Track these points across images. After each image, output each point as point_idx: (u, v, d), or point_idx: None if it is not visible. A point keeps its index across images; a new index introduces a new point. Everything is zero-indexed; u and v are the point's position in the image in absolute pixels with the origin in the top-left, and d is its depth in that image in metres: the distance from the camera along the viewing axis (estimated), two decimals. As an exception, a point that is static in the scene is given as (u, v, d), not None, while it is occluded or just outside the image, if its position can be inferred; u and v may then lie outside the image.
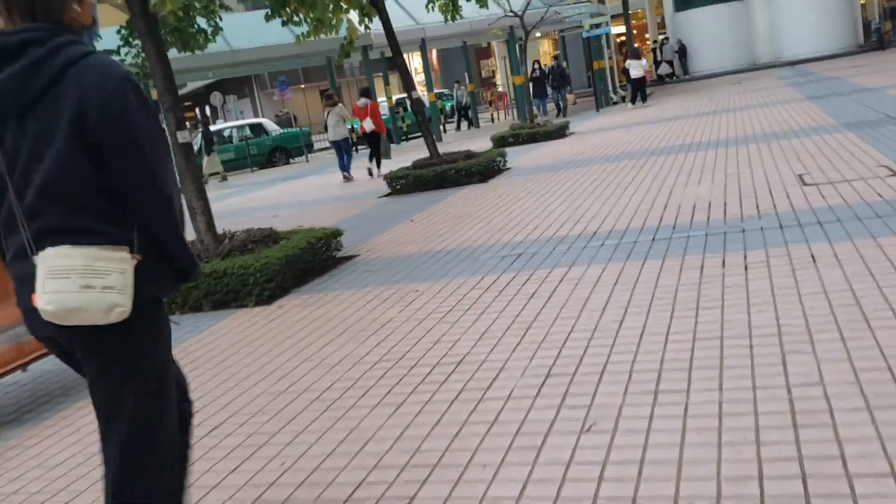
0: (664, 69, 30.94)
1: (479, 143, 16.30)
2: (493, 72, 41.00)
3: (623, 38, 31.03)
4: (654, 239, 5.35)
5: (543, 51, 40.71)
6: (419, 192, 10.15)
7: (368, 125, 13.89)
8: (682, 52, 30.84)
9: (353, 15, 11.60)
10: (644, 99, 20.65)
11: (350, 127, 14.60)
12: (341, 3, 10.83)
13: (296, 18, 10.92)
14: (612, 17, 33.39)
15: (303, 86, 40.29)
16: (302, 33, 11.17)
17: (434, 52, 42.66)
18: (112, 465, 1.90)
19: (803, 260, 4.25)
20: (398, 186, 10.44)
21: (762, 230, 5.09)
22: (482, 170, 10.29)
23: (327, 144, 26.21)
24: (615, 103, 23.82)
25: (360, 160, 17.11)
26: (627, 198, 7.17)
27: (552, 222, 6.58)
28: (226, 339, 4.78)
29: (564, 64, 23.54)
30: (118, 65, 1.82)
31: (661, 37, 32.86)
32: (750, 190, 6.52)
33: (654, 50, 31.81)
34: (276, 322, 4.95)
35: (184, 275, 1.99)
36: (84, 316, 1.74)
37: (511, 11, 15.32)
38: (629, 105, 20.63)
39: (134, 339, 1.85)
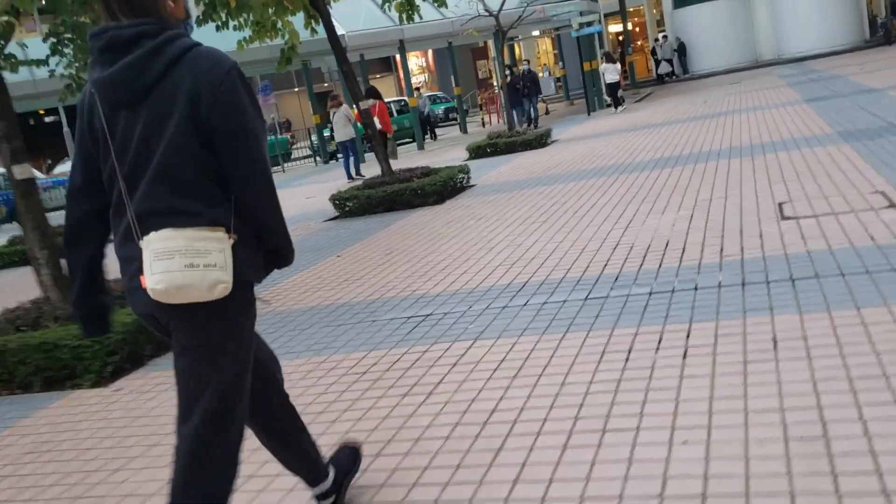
0: (664, 68, 29.79)
1: (459, 152, 15.28)
2: (490, 72, 39.92)
3: (622, 36, 29.96)
4: (587, 297, 4.32)
5: (543, 50, 39.65)
6: (368, 216, 9.13)
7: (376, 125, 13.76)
8: (682, 50, 29.70)
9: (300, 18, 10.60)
10: (617, 105, 19.68)
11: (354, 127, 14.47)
12: (285, 4, 9.85)
13: (234, 23, 9.97)
14: (609, 14, 32.36)
15: (296, 89, 39.36)
16: (245, 38, 10.22)
17: (430, 53, 41.68)
18: (190, 441, 1.96)
19: (761, 345, 3.21)
20: (347, 208, 9.43)
21: (719, 288, 4.05)
22: (439, 189, 9.27)
23: (308, 152, 25.35)
24: (609, 105, 22.72)
25: (371, 162, 16.12)
26: (580, 230, 6.13)
27: (484, 265, 5.56)
28: (43, 433, 3.78)
29: (548, 68, 22.38)
30: (226, 56, 1.91)
31: (660, 35, 31.69)
32: (718, 224, 5.47)
33: (653, 49, 30.64)
34: (110, 411, 3.95)
35: (279, 258, 2.06)
36: (190, 293, 1.82)
37: (486, 10, 14.25)
38: (612, 111, 19.59)
39: (228, 316, 1.93)
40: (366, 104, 10.74)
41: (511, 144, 13.91)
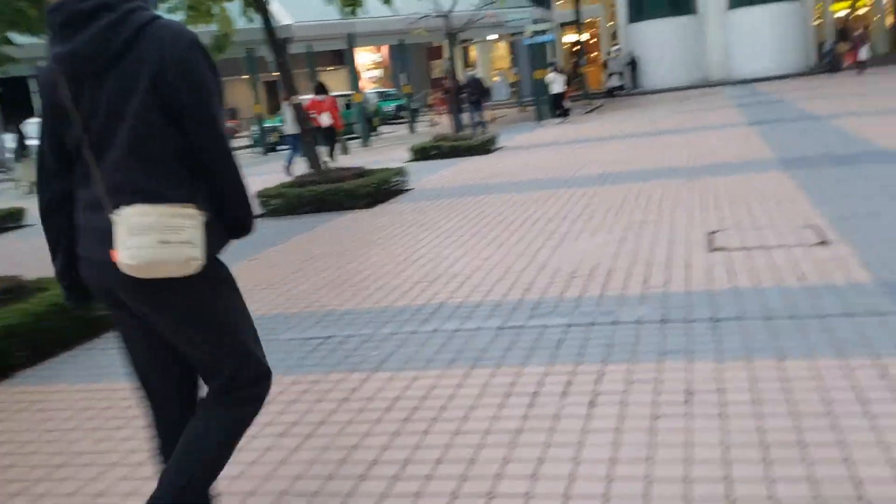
0: (614, 81, 29.91)
1: (403, 152, 14.90)
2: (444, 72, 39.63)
3: (576, 47, 29.99)
4: (501, 326, 4.02)
5: (499, 55, 39.52)
6: (295, 216, 8.71)
7: (326, 120, 14.03)
8: (633, 64, 29.85)
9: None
10: (561, 115, 19.57)
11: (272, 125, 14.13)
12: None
13: (167, 5, 9.45)
14: (565, 24, 32.42)
15: (246, 76, 38.41)
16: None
17: (386, 48, 41.19)
18: (206, 410, 2.04)
19: (674, 395, 2.95)
20: (272, 206, 8.98)
21: (638, 324, 3.79)
22: (372, 192, 8.90)
23: (252, 142, 24.67)
24: (558, 115, 22.64)
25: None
26: (509, 247, 5.85)
27: (402, 281, 5.22)
28: None
29: (515, 74, 22.13)
30: (188, 29, 1.91)
31: (613, 48, 31.85)
32: (647, 250, 5.24)
33: (604, 62, 30.75)
34: (-42, 430, 3.49)
35: (239, 229, 2.04)
36: (164, 269, 1.82)
37: (436, 11, 13.93)
38: (558, 121, 19.55)
39: (202, 289, 1.94)
40: (297, 100, 10.29)
41: (456, 148, 13.61)
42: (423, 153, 13.71)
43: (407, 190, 9.85)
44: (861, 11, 34.99)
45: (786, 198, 6.45)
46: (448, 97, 16.20)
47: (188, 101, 1.87)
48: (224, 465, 2.06)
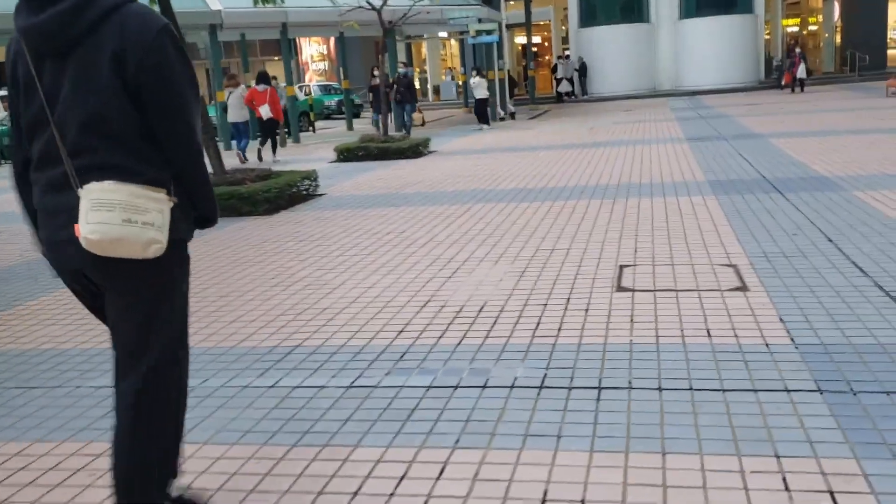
0: (564, 87, 29.52)
1: (331, 151, 14.11)
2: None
3: (528, 49, 29.50)
4: (351, 384, 3.33)
5: (453, 54, 38.85)
6: (187, 220, 7.88)
7: (266, 111, 13.80)
8: (583, 70, 29.48)
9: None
10: (486, 122, 18.80)
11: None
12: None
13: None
14: (514, 26, 31.91)
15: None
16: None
17: (332, 41, 40.16)
18: (129, 399, 1.97)
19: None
20: (164, 209, 8.13)
21: (511, 390, 3.14)
22: (273, 197, 8.14)
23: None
24: (502, 119, 22.09)
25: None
26: (399, 273, 5.18)
27: (264, 312, 4.50)
28: None
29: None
30: (158, 15, 1.91)
31: (563, 53, 31.48)
32: (548, 287, 4.62)
33: (554, 66, 30.33)
34: None
35: (204, 220, 2.06)
36: (125, 248, 1.80)
37: (367, 3, 13.16)
38: (483, 127, 18.69)
39: (164, 275, 1.94)
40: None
41: (384, 150, 12.89)
42: (348, 154, 12.97)
43: (317, 195, 9.11)
44: (812, 28, 35.38)
45: (710, 227, 5.91)
46: (375, 95, 15.34)
47: (154, 88, 1.85)
48: (174, 438, 2.09)
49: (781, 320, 3.73)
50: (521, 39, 40.65)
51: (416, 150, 13.18)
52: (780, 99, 21.33)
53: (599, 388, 3.09)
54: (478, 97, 18.75)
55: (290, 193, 8.47)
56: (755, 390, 2.97)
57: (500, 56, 22.82)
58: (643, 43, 29.41)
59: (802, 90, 23.14)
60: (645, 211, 6.76)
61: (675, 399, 2.94)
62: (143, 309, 1.95)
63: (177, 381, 2.06)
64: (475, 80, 18.54)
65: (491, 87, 21.89)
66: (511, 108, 22.96)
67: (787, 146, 10.69)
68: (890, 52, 30.34)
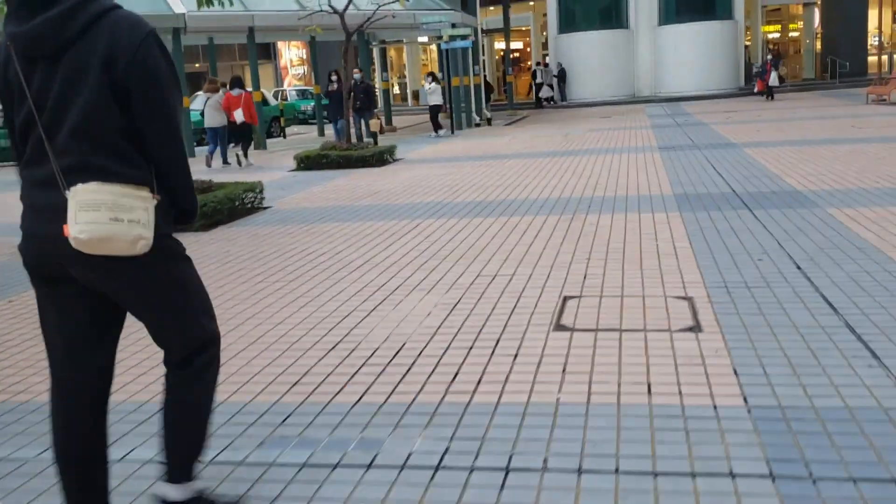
0: (545, 92, 29.05)
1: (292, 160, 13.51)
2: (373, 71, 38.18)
3: (511, 55, 29.02)
4: (211, 462, 2.75)
5: (433, 59, 38.32)
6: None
7: (240, 115, 13.74)
8: (562, 76, 29.03)
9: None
10: (437, 129, 18.26)
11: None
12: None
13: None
14: (494, 31, 31.45)
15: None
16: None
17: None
18: (174, 379, 2.12)
19: None
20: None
21: (401, 470, 2.57)
22: (209, 212, 7.54)
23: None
24: (478, 125, 21.58)
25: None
26: (318, 304, 4.61)
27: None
28: None
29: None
30: (144, 20, 1.96)
31: (545, 58, 31.04)
32: (479, 323, 4.06)
33: (533, 72, 29.87)
34: None
35: (184, 216, 2.12)
36: (113, 245, 1.86)
37: (330, 7, 12.57)
38: (432, 135, 18.20)
39: (157, 267, 2.00)
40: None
41: (346, 158, 12.30)
42: (308, 162, 12.38)
43: (261, 209, 8.52)
44: (794, 34, 35.14)
45: (670, 250, 5.38)
46: (331, 102, 14.61)
47: (141, 90, 1.91)
48: (207, 431, 2.17)
49: (735, 372, 3.19)
50: (501, 45, 40.31)
51: (381, 159, 12.62)
52: (759, 106, 20.93)
53: (507, 470, 2.52)
54: (430, 103, 18.20)
55: (229, 208, 7.87)
56: (693, 474, 2.42)
57: (476, 62, 22.32)
58: (622, 49, 29.02)
59: (772, 98, 22.64)
60: (603, 229, 6.23)
61: (595, 486, 2.38)
62: (151, 299, 2.04)
63: (214, 361, 2.16)
64: (430, 87, 17.99)
65: (466, 93, 21.42)
66: (487, 113, 22.46)
67: (762, 156, 10.21)
68: (870, 58, 30.08)
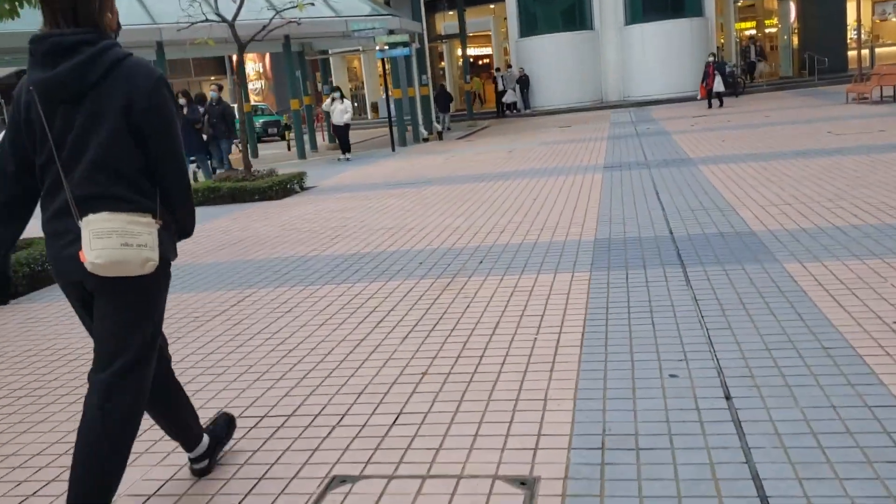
0: (510, 97, 27.34)
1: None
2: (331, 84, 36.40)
3: (479, 61, 27.33)
4: None
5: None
6: None
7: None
8: (524, 82, 27.33)
9: None
10: (346, 150, 16.07)
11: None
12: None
13: None
14: (451, 37, 29.76)
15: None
16: None
17: (267, 57, 37.81)
18: (102, 388, 2.21)
19: None
20: None
21: None
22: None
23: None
24: (425, 140, 19.85)
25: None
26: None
27: None
28: None
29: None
30: (154, 66, 2.21)
31: (507, 64, 29.36)
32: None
33: (494, 79, 28.17)
34: None
35: (183, 233, 2.38)
36: (125, 268, 2.10)
37: (217, 15, 10.80)
38: (340, 158, 16.12)
39: (152, 287, 2.25)
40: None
41: (240, 192, 10.54)
42: (196, 198, 10.59)
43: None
44: (771, 30, 33.57)
45: (549, 337, 3.64)
46: (183, 131, 12.15)
47: (155, 129, 2.15)
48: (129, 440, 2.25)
49: None
50: (471, 51, 38.62)
51: (285, 189, 10.85)
52: (730, 110, 19.28)
53: None
54: (335, 123, 15.91)
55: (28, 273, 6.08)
56: None
57: (423, 71, 20.61)
58: (588, 51, 27.36)
59: (721, 105, 20.41)
60: (476, 306, 4.47)
61: None
62: (129, 312, 2.22)
63: (143, 381, 2.27)
64: (338, 105, 15.68)
65: (412, 106, 19.69)
66: (438, 127, 20.73)
67: (719, 177, 8.51)
68: (850, 53, 28.52)
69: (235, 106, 13.30)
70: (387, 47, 17.14)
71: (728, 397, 2.95)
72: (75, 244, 2.11)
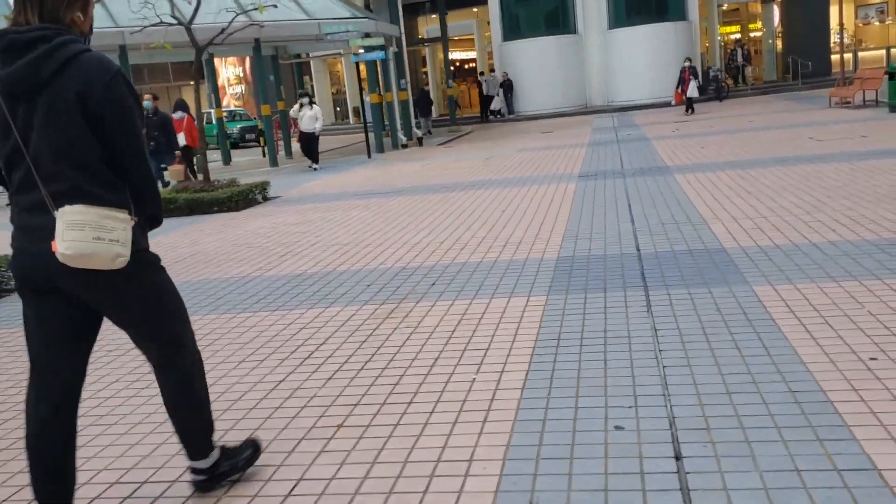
0: (497, 104, 26.94)
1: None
2: (312, 88, 35.97)
3: (465, 65, 26.94)
4: None
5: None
6: None
7: (181, 139, 12.81)
8: (508, 87, 26.96)
9: None
10: (314, 160, 15.30)
11: None
12: None
13: None
14: (433, 40, 29.40)
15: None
16: None
17: (248, 62, 37.32)
18: (173, 384, 2.43)
19: None
20: None
21: None
22: None
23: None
24: (404, 146, 19.44)
25: None
26: None
27: None
28: None
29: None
30: (111, 60, 2.22)
31: (491, 68, 28.99)
32: None
33: (479, 83, 27.80)
34: None
35: (154, 221, 2.37)
36: (94, 261, 2.10)
37: (173, 17, 10.37)
38: (309, 167, 15.44)
39: (135, 281, 2.26)
40: None
41: (198, 203, 10.09)
42: (156, 209, 10.12)
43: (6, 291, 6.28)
44: (756, 34, 33.34)
45: (485, 395, 3.24)
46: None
47: (113, 123, 2.16)
48: (206, 405, 2.51)
49: None
50: (456, 55, 38.25)
51: (246, 199, 10.42)
52: (714, 115, 18.98)
53: None
54: (304, 130, 14.97)
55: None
56: None
57: (402, 74, 20.21)
58: (571, 56, 27.02)
59: (692, 111, 19.85)
60: (418, 336, 4.07)
61: None
62: (137, 313, 2.30)
63: (192, 357, 2.45)
64: (310, 112, 14.74)
65: (390, 111, 19.28)
66: (418, 132, 20.33)
67: (694, 186, 8.15)
68: (834, 57, 28.31)
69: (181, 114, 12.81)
70: (362, 51, 16.76)
71: (678, 457, 2.56)
72: (46, 239, 2.11)
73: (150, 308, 2.31)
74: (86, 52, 2.16)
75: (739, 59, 29.37)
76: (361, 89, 17.45)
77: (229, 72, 38.35)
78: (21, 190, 2.19)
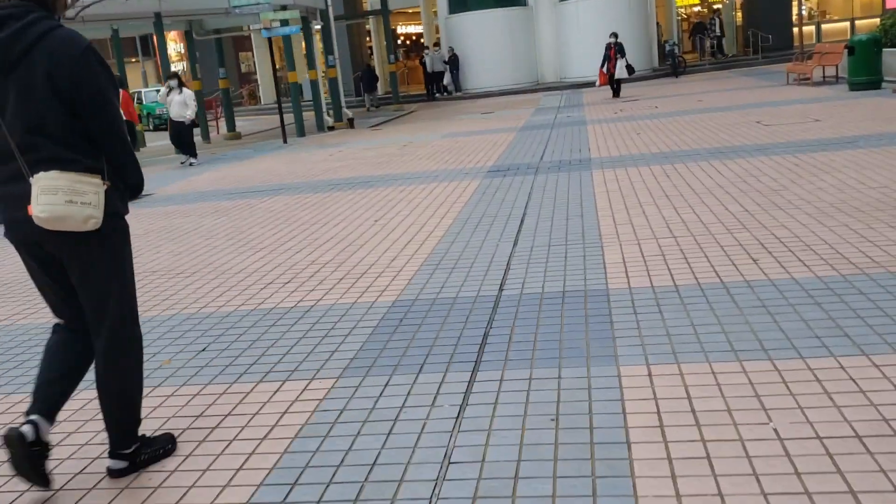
0: (447, 79, 25.37)
1: None
2: (254, 66, 34.07)
3: (389, 41, 25.27)
4: None
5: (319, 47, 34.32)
6: None
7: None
8: (454, 63, 25.38)
9: None
10: (188, 153, 12.95)
11: None
12: None
13: None
14: (374, 13, 27.68)
15: None
16: None
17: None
18: (104, 349, 2.45)
19: None
20: None
21: None
22: None
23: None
24: (331, 128, 17.89)
25: None
26: None
27: None
28: None
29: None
30: (82, 36, 2.31)
31: (435, 43, 27.38)
32: None
33: (421, 59, 26.18)
34: None
35: (134, 189, 2.48)
36: (67, 223, 2.23)
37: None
38: (185, 161, 13.07)
39: (106, 242, 2.37)
40: None
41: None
42: None
43: None
44: (717, 6, 31.95)
45: None
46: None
47: (84, 96, 2.25)
48: (139, 390, 2.55)
49: None
50: (408, 28, 36.47)
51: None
52: (666, 93, 17.65)
53: None
54: (173, 118, 12.59)
55: None
56: None
57: (330, 51, 18.59)
58: (522, 30, 25.49)
59: (618, 95, 17.71)
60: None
61: None
62: (96, 273, 2.37)
63: (137, 332, 2.52)
64: (178, 97, 12.28)
65: (314, 90, 17.68)
66: (348, 113, 18.75)
67: (609, 187, 6.80)
68: (796, 30, 27.06)
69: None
70: (277, 24, 15.13)
71: None
72: (25, 203, 2.22)
73: (112, 275, 2.40)
74: (56, 28, 2.27)
75: (717, 30, 27.95)
76: (274, 67, 15.81)
77: (170, 49, 36.22)
78: (1, 160, 2.30)
